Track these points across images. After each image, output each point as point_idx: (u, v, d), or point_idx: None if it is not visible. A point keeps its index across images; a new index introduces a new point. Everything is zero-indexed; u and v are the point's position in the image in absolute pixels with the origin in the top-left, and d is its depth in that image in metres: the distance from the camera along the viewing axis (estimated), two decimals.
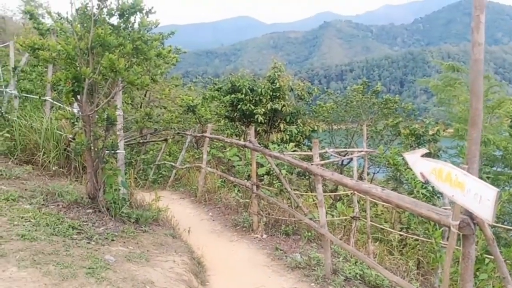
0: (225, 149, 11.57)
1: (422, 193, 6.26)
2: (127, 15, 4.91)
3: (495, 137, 9.83)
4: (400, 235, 7.44)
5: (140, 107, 14.48)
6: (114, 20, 4.96)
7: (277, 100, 13.13)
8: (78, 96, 4.84)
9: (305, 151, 11.66)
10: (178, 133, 12.77)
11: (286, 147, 8.80)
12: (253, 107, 12.94)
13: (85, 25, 4.76)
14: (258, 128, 12.89)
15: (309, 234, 6.36)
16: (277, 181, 7.71)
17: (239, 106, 13.17)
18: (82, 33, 4.71)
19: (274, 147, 8.47)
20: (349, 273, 4.94)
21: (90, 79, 4.62)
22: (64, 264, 3.36)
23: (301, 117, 13.82)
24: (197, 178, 9.60)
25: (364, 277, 4.91)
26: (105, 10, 4.80)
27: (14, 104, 8.31)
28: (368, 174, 12.28)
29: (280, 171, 6.93)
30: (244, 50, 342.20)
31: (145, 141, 13.60)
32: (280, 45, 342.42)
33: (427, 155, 2.76)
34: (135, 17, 4.98)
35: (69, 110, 5.38)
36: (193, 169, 10.54)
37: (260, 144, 6.86)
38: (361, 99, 15.70)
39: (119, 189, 5.40)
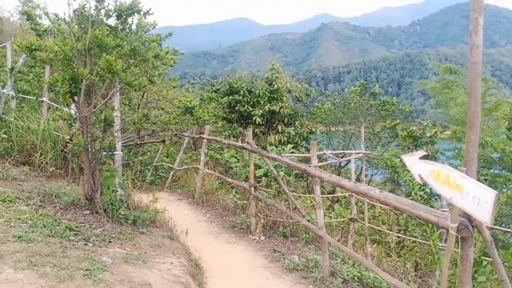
0: (223, 150, 11.55)
1: (420, 195, 6.23)
2: (124, 16, 4.90)
3: (492, 140, 9.83)
4: (398, 237, 7.45)
5: (138, 108, 14.43)
6: (112, 21, 4.96)
7: (275, 101, 13.12)
8: (75, 97, 4.84)
9: (303, 153, 11.66)
10: (176, 134, 12.75)
11: (284, 149, 8.79)
12: (251, 109, 12.92)
13: (82, 26, 4.75)
14: (256, 130, 12.87)
15: (307, 236, 6.35)
16: (275, 182, 7.70)
17: (237, 108, 13.15)
18: (80, 34, 4.70)
19: (272, 149, 8.48)
20: (347, 275, 4.94)
21: (87, 80, 4.61)
22: (61, 266, 3.34)
23: (299, 118, 13.81)
24: (195, 179, 9.58)
25: (362, 279, 4.91)
26: (102, 11, 4.79)
27: (11, 105, 8.29)
28: (366, 176, 12.28)
29: (278, 172, 6.93)
30: (242, 51, 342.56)
31: (142, 142, 13.56)
32: (277, 47, 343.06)
33: (425, 157, 2.75)
34: (132, 18, 4.98)
35: (66, 111, 5.37)
36: (191, 170, 10.53)
37: (258, 146, 6.86)
38: (358, 101, 15.71)
39: (117, 191, 5.38)
